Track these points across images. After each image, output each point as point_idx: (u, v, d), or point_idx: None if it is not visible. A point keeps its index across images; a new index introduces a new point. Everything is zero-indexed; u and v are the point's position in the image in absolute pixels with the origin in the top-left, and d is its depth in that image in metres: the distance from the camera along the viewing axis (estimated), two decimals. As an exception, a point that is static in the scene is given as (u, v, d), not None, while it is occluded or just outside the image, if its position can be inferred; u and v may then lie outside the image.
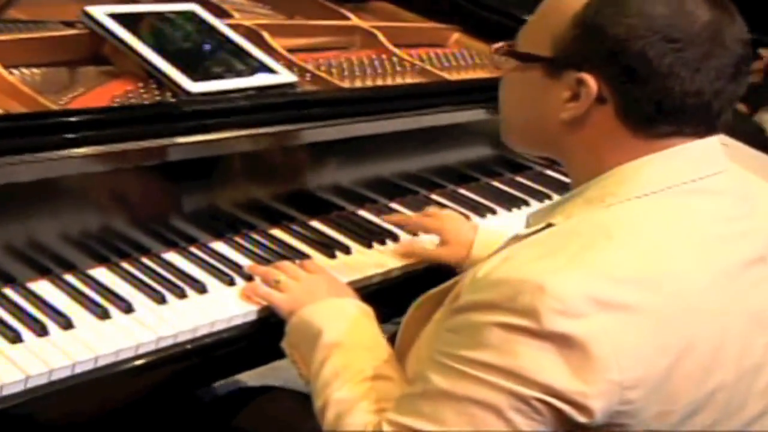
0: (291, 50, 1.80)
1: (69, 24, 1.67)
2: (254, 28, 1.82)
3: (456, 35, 2.24)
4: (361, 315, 1.21)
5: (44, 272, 1.27)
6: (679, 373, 0.94)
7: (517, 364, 0.89)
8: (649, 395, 0.92)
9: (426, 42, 2.18)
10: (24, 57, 1.52)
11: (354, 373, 1.09)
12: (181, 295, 1.28)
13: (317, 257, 1.45)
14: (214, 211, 1.45)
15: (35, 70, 1.53)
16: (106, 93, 1.50)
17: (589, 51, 0.99)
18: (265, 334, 1.27)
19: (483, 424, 0.90)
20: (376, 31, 2.03)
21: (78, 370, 1.11)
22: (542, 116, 1.04)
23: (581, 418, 0.89)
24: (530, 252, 0.96)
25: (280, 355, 1.25)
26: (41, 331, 1.15)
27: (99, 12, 1.59)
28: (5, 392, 1.05)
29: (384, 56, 1.97)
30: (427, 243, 1.54)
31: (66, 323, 1.17)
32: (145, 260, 1.36)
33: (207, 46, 1.65)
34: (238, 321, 1.27)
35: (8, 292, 1.22)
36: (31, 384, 1.07)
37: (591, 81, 0.98)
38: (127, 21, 1.60)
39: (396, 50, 2.00)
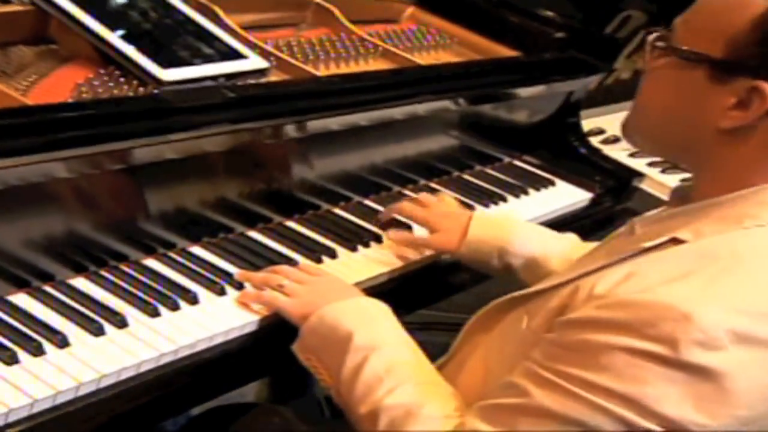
0: (244, 28, 1.85)
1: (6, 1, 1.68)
2: (206, 3, 1.86)
3: (410, 10, 2.33)
4: (385, 314, 1.28)
5: (21, 285, 1.30)
6: None
7: (639, 392, 0.95)
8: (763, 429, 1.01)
9: (378, 17, 2.26)
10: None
11: (401, 376, 1.16)
12: (174, 306, 1.34)
13: (303, 261, 1.53)
14: (190, 214, 1.50)
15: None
16: (67, 80, 1.53)
17: None
18: (266, 345, 1.34)
19: None
20: (330, 6, 2.10)
21: (82, 392, 1.16)
22: (694, 120, 1.08)
23: None
24: (660, 271, 1.01)
25: (279, 368, 1.32)
26: (37, 350, 1.19)
27: (48, -14, 1.60)
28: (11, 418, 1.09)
29: (343, 35, 2.04)
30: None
31: (63, 341, 1.21)
32: (125, 268, 1.40)
33: (168, 27, 1.69)
34: (236, 333, 1.34)
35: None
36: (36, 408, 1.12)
37: None
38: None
39: (353, 28, 2.07)
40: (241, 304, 1.37)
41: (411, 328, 1.30)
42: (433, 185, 1.92)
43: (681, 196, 1.19)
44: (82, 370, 1.18)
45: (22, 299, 1.28)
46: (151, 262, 1.44)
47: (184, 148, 1.42)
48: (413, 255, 1.62)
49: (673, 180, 2.21)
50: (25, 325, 1.23)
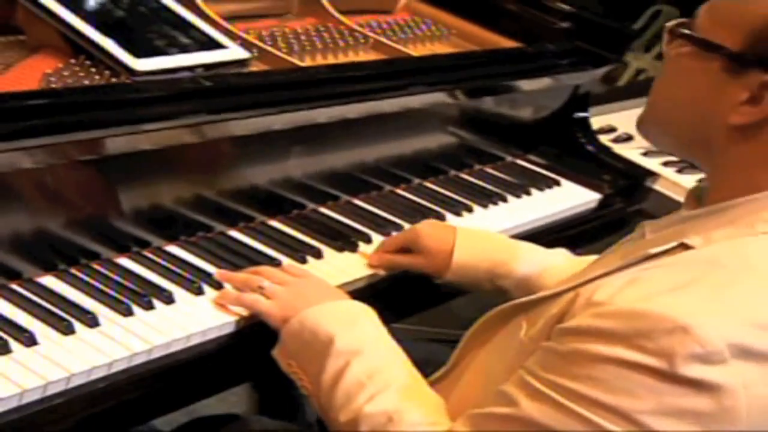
0: (225, 18, 1.94)
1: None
2: (182, -9, 1.94)
3: (405, 0, 2.41)
4: (368, 318, 1.34)
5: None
6: None
7: (630, 406, 0.99)
8: None
9: (370, 8, 2.35)
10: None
11: (383, 383, 1.23)
12: (148, 306, 1.41)
13: (287, 261, 1.60)
14: (166, 210, 1.58)
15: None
16: (34, 70, 1.61)
17: None
18: (246, 348, 1.42)
19: None
20: (317, -6, 2.18)
21: (49, 391, 1.24)
22: (707, 114, 1.14)
23: None
24: (664, 279, 1.06)
25: (260, 373, 1.40)
26: (2, 348, 1.26)
27: (14, -28, 1.69)
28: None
29: (331, 25, 2.13)
30: None
31: (29, 340, 1.29)
32: (96, 266, 1.48)
33: (143, 15, 1.77)
34: (214, 334, 1.41)
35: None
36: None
37: None
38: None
39: (342, 17, 2.16)
40: (220, 305, 1.45)
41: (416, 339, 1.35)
42: (428, 184, 1.99)
43: (696, 198, 1.24)
44: (49, 368, 1.25)
45: (-15, 297, 1.36)
46: (125, 261, 1.51)
47: (156, 139, 1.49)
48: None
49: (690, 180, 2.28)
50: (-11, 322, 1.31)
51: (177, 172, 1.61)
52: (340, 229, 1.75)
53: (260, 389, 2.20)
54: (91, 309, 1.37)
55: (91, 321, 1.35)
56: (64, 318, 1.34)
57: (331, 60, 2.00)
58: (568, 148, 2.23)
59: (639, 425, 0.99)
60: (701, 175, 2.24)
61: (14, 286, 1.39)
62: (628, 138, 2.45)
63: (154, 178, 1.57)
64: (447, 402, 1.27)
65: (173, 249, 1.57)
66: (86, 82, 1.60)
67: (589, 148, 2.25)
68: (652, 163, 2.34)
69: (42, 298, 1.38)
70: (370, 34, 2.13)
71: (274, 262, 1.58)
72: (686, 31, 1.16)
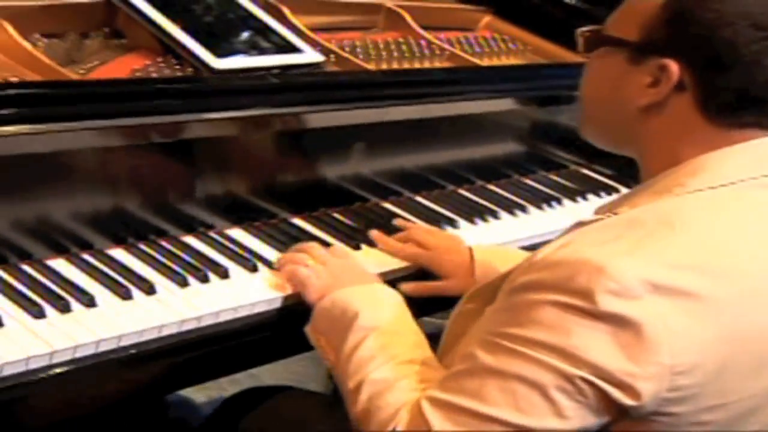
0: (312, 29, 1.94)
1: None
2: (273, 3, 1.96)
3: (487, 18, 2.39)
4: (393, 301, 1.33)
5: (61, 250, 1.40)
6: (735, 365, 1.07)
7: (567, 343, 1.02)
8: (703, 384, 1.05)
9: (454, 25, 2.33)
10: (38, 25, 1.66)
11: (392, 355, 1.22)
12: (203, 279, 1.42)
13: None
14: (233, 197, 1.59)
15: (49, 40, 1.66)
16: (125, 66, 1.64)
17: (676, 36, 1.12)
18: (290, 324, 1.41)
19: (526, 403, 1.03)
20: (401, 11, 2.18)
21: (102, 348, 1.25)
22: (620, 102, 1.17)
23: (628, 400, 1.02)
24: (591, 237, 1.09)
25: (302, 348, 1.38)
26: (64, 308, 1.28)
27: (116, -20, 1.73)
28: (32, 365, 1.18)
29: (410, 38, 2.12)
30: None
31: (89, 301, 1.30)
32: (164, 243, 1.49)
33: (230, 21, 1.79)
34: (262, 308, 1.41)
35: (26, 268, 1.36)
36: (55, 359, 1.21)
37: (673, 66, 1.12)
38: (144, -9, 1.74)
39: (423, 32, 2.14)
40: (269, 281, 1.45)
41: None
42: (490, 186, 1.96)
43: None
44: (104, 327, 1.26)
45: (59, 263, 1.39)
46: (190, 240, 1.52)
47: (225, 128, 1.51)
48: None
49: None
50: (56, 284, 1.33)
51: (248, 162, 1.62)
52: (396, 220, 1.72)
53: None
54: (149, 278, 1.39)
55: (149, 289, 1.37)
56: (123, 284, 1.36)
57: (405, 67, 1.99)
58: (629, 158, 2.15)
59: (576, 358, 1.02)
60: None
61: (85, 256, 1.42)
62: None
63: (226, 165, 1.59)
64: None
65: (236, 232, 1.58)
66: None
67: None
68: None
69: (108, 266, 1.40)
70: (447, 47, 2.11)
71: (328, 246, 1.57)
72: (591, 33, 1.22)
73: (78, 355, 1.23)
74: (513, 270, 1.16)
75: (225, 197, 1.58)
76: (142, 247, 1.47)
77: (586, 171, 2.15)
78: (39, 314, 1.26)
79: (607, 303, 1.01)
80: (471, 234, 1.72)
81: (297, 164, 1.68)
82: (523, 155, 2.05)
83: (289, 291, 1.43)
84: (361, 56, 1.93)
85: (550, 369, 1.03)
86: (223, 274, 1.44)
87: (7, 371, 1.17)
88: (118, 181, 1.46)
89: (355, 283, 1.36)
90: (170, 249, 1.48)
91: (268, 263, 1.49)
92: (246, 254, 1.50)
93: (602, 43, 1.20)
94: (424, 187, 1.86)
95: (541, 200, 1.94)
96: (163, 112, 1.45)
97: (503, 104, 1.92)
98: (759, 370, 1.10)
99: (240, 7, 1.84)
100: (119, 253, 1.44)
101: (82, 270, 1.38)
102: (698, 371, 1.04)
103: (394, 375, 1.19)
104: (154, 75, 1.62)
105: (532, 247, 1.51)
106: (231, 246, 1.52)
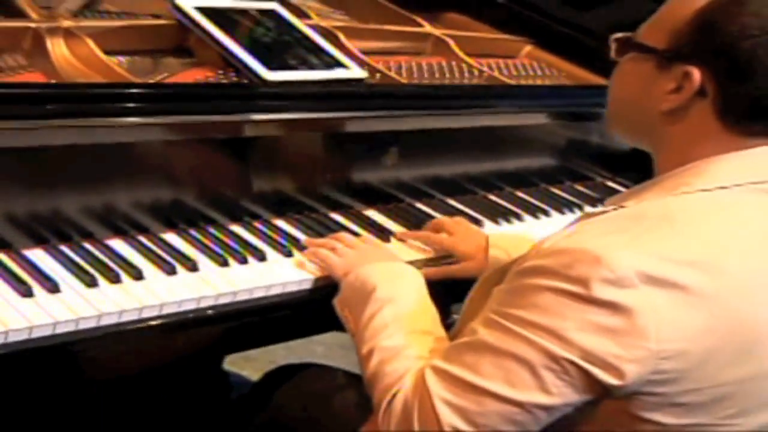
0: (364, 53, 1.98)
1: (155, 16, 1.88)
2: (330, 29, 2.00)
3: (528, 48, 2.39)
4: (412, 277, 1.35)
5: (120, 232, 1.46)
6: (718, 355, 1.05)
7: (559, 326, 1.02)
8: (686, 370, 1.04)
9: (497, 53, 2.34)
10: (117, 44, 1.73)
11: (404, 324, 1.23)
12: (242, 260, 1.45)
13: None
14: (278, 192, 1.63)
15: (123, 58, 1.73)
16: (189, 77, 1.70)
17: (701, 46, 1.11)
18: (318, 303, 1.43)
19: (516, 378, 1.04)
20: (447, 39, 2.20)
21: (145, 314, 1.29)
22: (644, 104, 1.17)
23: (612, 380, 1.02)
24: (595, 229, 1.09)
25: (331, 326, 1.40)
26: (114, 279, 1.33)
27: (188, 5, 1.79)
28: (81, 326, 1.23)
29: (453, 62, 2.13)
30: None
31: (137, 274, 1.35)
32: (212, 229, 1.53)
33: (285, 41, 1.84)
34: (293, 288, 1.44)
35: (87, 245, 1.41)
36: (103, 322, 1.26)
37: (696, 74, 1.11)
38: (212, 14, 1.80)
39: (466, 57, 2.16)
40: (301, 265, 1.48)
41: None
42: (518, 193, 1.96)
43: None
44: (147, 297, 1.31)
45: (116, 243, 1.44)
46: (236, 228, 1.57)
47: (270, 130, 1.56)
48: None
49: None
50: (110, 259, 1.39)
51: (296, 161, 1.66)
52: (428, 221, 1.74)
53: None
54: (192, 257, 1.43)
55: (191, 266, 1.41)
56: (168, 261, 1.40)
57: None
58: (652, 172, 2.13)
59: (566, 341, 1.02)
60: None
61: (140, 237, 1.47)
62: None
63: (275, 163, 1.63)
64: None
65: (279, 223, 1.61)
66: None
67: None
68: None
69: (158, 246, 1.45)
70: (486, 70, 2.12)
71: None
72: (625, 40, 1.20)
73: (123, 319, 1.28)
74: (522, 255, 1.17)
75: (271, 192, 1.62)
76: (192, 232, 1.51)
77: (611, 183, 2.13)
78: (92, 283, 1.31)
79: (601, 290, 1.01)
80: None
81: (338, 165, 1.71)
82: (551, 166, 2.05)
83: (318, 274, 1.46)
84: (404, 75, 1.96)
85: (541, 349, 1.03)
86: (261, 257, 1.48)
87: (60, 329, 1.23)
88: (175, 173, 1.51)
89: (378, 261, 1.38)
90: (216, 234, 1.52)
91: (302, 249, 1.52)
92: (282, 240, 1.54)
93: (632, 49, 1.20)
94: (456, 192, 1.88)
95: (563, 205, 1.93)
96: (218, 112, 1.51)
97: (532, 118, 1.92)
98: (738, 362, 1.08)
99: (296, 30, 1.89)
100: (170, 237, 1.49)
101: (136, 249, 1.43)
102: (682, 358, 1.03)
103: (403, 343, 1.20)
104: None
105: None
106: (270, 233, 1.56)
